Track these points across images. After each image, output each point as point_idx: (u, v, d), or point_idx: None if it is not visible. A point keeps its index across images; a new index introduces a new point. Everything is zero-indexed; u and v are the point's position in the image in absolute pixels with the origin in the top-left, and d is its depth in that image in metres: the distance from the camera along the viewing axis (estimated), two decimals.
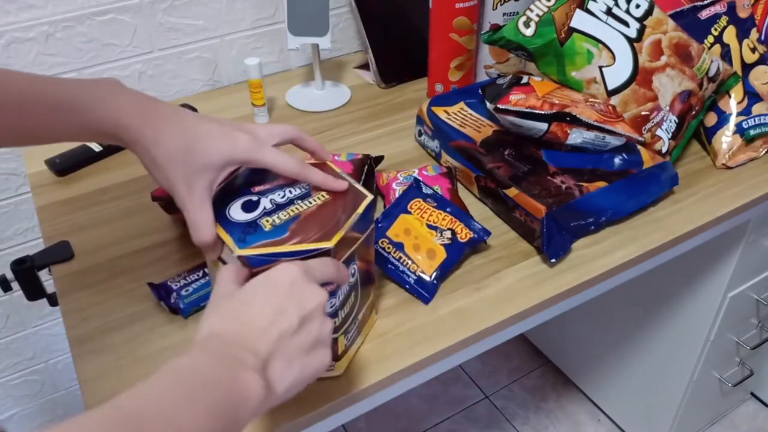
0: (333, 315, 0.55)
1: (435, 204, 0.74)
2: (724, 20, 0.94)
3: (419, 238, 0.71)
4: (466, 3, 0.96)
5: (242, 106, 1.05)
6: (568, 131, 0.79)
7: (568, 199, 0.75)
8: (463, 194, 0.84)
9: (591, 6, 0.84)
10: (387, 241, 0.71)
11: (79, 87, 0.53)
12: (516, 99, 0.79)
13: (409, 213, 0.73)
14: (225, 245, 0.51)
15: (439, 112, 0.89)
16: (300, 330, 0.44)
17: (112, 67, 1.03)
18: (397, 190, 0.79)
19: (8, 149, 1.02)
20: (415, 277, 0.69)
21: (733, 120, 0.91)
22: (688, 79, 0.86)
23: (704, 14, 0.94)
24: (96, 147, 0.92)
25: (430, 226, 0.72)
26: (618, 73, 0.84)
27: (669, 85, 0.85)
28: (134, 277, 0.72)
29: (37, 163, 0.91)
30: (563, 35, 0.83)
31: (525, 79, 0.83)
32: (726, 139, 0.90)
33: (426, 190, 0.76)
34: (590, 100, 0.82)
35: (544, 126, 0.79)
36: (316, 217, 0.53)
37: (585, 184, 0.77)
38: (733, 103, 0.92)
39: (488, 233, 0.74)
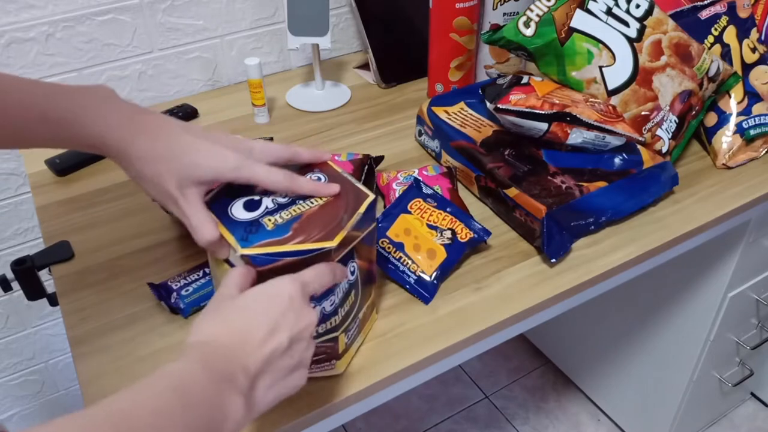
0: (333, 313, 0.55)
1: (435, 204, 0.74)
2: (724, 20, 0.94)
3: (419, 238, 0.71)
4: (466, 3, 0.96)
5: (242, 106, 1.05)
6: (569, 131, 0.79)
7: (568, 199, 0.75)
8: (463, 194, 0.84)
9: (591, 6, 0.84)
10: (387, 241, 0.71)
11: (69, 99, 0.53)
12: (516, 99, 0.79)
13: (410, 213, 0.73)
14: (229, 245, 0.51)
15: (440, 112, 0.89)
16: (288, 350, 0.46)
17: (112, 67, 1.03)
18: (398, 190, 0.79)
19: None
20: (415, 277, 0.69)
21: (733, 120, 0.91)
22: (689, 79, 0.86)
23: (704, 14, 0.94)
24: None
25: (430, 226, 0.72)
26: (618, 73, 0.84)
27: (669, 85, 0.85)
28: (134, 277, 0.72)
29: (37, 163, 0.91)
30: (563, 35, 0.83)
31: (525, 79, 0.83)
32: (726, 139, 0.90)
33: (426, 190, 0.76)
34: (590, 100, 0.82)
35: (544, 126, 0.79)
36: (319, 216, 0.53)
37: (585, 184, 0.77)
38: (733, 103, 0.92)
39: (488, 233, 0.74)
